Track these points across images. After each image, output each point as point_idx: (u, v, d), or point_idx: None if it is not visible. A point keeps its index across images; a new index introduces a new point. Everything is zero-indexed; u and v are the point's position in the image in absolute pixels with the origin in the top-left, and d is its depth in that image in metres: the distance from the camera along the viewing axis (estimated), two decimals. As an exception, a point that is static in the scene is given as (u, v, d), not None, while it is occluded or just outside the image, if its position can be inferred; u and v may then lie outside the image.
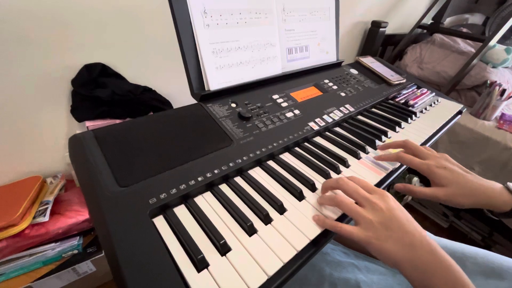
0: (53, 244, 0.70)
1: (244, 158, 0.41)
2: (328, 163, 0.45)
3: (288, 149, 0.48)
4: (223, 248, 0.29)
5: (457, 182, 0.40)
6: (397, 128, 0.58)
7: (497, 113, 1.16)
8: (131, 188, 0.33)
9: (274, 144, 0.45)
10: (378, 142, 0.52)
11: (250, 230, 0.32)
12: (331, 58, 0.72)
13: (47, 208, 0.69)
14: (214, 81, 0.48)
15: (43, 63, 0.70)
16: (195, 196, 0.36)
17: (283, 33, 0.58)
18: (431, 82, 1.36)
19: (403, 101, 0.69)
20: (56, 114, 0.78)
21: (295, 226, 0.33)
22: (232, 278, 0.27)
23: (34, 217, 0.66)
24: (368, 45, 1.49)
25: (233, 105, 0.49)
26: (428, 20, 1.47)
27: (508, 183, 0.40)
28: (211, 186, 0.37)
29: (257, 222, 0.33)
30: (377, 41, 1.45)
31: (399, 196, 1.20)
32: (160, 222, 0.31)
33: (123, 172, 0.34)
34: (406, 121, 0.62)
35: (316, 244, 0.32)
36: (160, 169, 0.36)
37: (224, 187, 0.38)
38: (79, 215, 0.73)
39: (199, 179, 0.36)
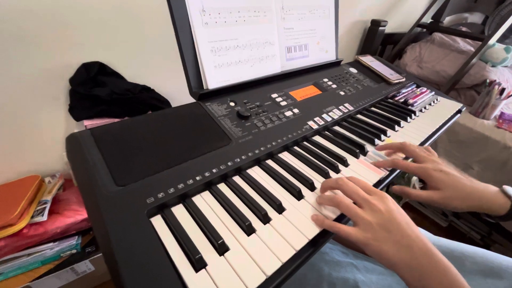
0: (51, 244, 0.70)
1: (243, 157, 0.41)
2: (327, 162, 0.44)
3: (287, 148, 0.47)
4: (221, 248, 0.29)
5: (453, 185, 0.40)
6: (397, 127, 0.58)
7: (497, 112, 1.16)
8: (129, 187, 0.32)
9: (273, 143, 0.45)
10: (377, 141, 0.52)
11: (249, 230, 0.32)
12: (330, 57, 0.71)
13: (45, 207, 0.69)
14: (213, 80, 0.48)
15: (40, 62, 0.70)
16: (193, 195, 0.36)
17: (282, 32, 0.58)
18: (430, 81, 1.36)
19: (402, 100, 0.69)
20: (54, 113, 0.78)
21: (294, 225, 0.33)
22: (230, 278, 0.27)
23: (32, 217, 0.66)
24: (367, 44, 1.49)
25: (232, 104, 0.49)
26: (427, 19, 1.47)
27: (503, 186, 0.40)
28: (209, 186, 0.37)
29: (255, 222, 0.33)
30: (377, 40, 1.44)
31: (397, 196, 1.20)
32: (158, 222, 0.31)
33: (120, 171, 0.34)
34: (406, 120, 0.62)
35: (315, 244, 0.32)
36: (158, 168, 0.35)
37: (222, 187, 0.38)
38: (77, 214, 0.73)
39: (198, 178, 0.36)
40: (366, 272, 0.45)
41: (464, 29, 1.50)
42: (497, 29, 1.19)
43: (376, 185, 0.43)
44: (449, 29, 1.41)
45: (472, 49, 1.29)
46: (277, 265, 0.28)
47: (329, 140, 0.52)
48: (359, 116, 0.62)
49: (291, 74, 0.62)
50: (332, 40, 0.70)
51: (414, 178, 1.15)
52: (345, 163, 0.45)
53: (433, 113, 0.68)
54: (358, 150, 0.48)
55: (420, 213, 1.38)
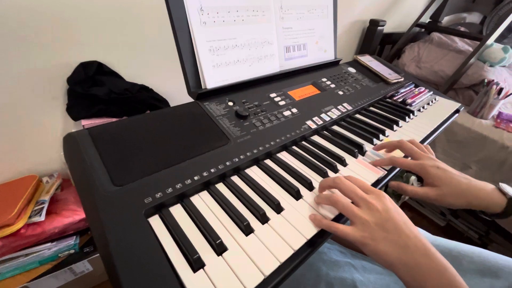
0: (49, 244, 0.70)
1: (241, 157, 0.41)
2: (325, 162, 0.44)
3: (286, 147, 0.47)
4: (219, 248, 0.29)
5: (450, 182, 0.40)
6: (395, 127, 0.58)
7: (494, 112, 1.17)
8: (126, 187, 0.32)
9: (272, 143, 0.45)
10: (376, 141, 0.52)
11: (247, 230, 0.32)
12: (329, 56, 0.71)
13: (43, 207, 0.68)
14: (211, 80, 0.48)
15: (38, 61, 0.70)
16: (192, 195, 0.36)
17: (281, 31, 0.58)
18: (429, 81, 1.36)
19: (400, 99, 0.69)
20: (52, 112, 0.77)
21: (292, 225, 0.33)
22: (229, 278, 0.27)
23: (29, 217, 0.65)
24: (366, 43, 1.49)
25: (230, 103, 0.49)
26: (426, 19, 1.47)
27: (500, 183, 0.40)
28: (207, 185, 0.37)
29: (254, 222, 0.33)
30: (375, 39, 1.45)
31: (396, 195, 1.20)
32: (155, 222, 0.31)
33: (118, 171, 0.34)
34: (404, 119, 0.62)
35: (313, 244, 0.32)
36: (156, 168, 0.35)
37: (220, 186, 0.38)
38: (75, 214, 0.73)
39: (196, 178, 0.36)
40: (364, 272, 0.46)
41: (462, 29, 1.51)
42: (495, 29, 1.20)
43: (375, 184, 0.43)
44: (448, 29, 1.41)
45: (470, 49, 1.30)
46: (275, 265, 0.28)
47: (327, 139, 0.52)
48: (357, 115, 0.62)
49: (290, 74, 0.61)
50: (330, 40, 0.70)
51: (413, 178, 1.15)
52: (343, 163, 0.45)
53: (431, 112, 0.68)
54: (356, 150, 0.48)
55: (418, 213, 1.38)
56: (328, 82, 0.65)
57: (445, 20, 1.59)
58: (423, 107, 0.69)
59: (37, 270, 0.69)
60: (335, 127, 0.56)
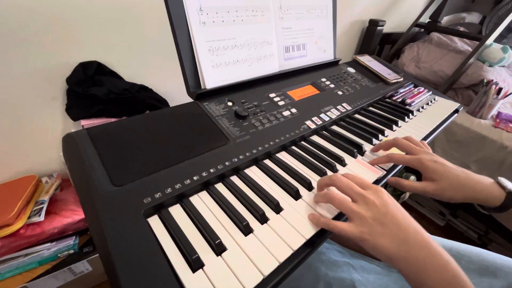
0: (48, 244, 0.70)
1: (241, 157, 0.41)
2: (325, 162, 0.44)
3: (285, 148, 0.47)
4: (218, 248, 0.29)
5: (448, 176, 0.40)
6: (394, 127, 0.58)
7: (494, 112, 1.17)
8: (125, 187, 0.32)
9: (271, 143, 0.45)
10: (375, 141, 0.52)
11: (246, 230, 0.32)
12: (328, 56, 0.71)
13: (42, 207, 0.68)
14: (211, 80, 0.48)
15: (38, 61, 0.69)
16: (191, 195, 0.36)
17: (280, 31, 0.58)
18: (428, 81, 1.36)
19: (400, 99, 0.69)
20: (51, 112, 0.77)
21: (291, 225, 0.33)
22: (228, 278, 0.27)
23: (29, 217, 0.65)
24: (365, 43, 1.49)
25: (230, 103, 0.49)
26: (425, 19, 1.47)
27: (499, 178, 0.40)
28: (207, 186, 0.37)
29: (253, 222, 0.33)
30: (375, 39, 1.45)
31: (396, 194, 1.21)
32: (154, 222, 0.31)
33: (117, 171, 0.34)
34: (403, 119, 0.62)
35: (312, 244, 0.32)
36: (155, 168, 0.35)
37: (220, 187, 0.38)
38: (75, 214, 0.73)
39: (195, 178, 0.36)
40: (363, 272, 0.46)
41: (461, 29, 1.51)
42: (494, 29, 1.20)
43: (374, 184, 0.43)
44: (447, 29, 1.42)
45: (470, 49, 1.30)
46: (275, 265, 0.28)
47: (326, 139, 0.52)
48: (357, 115, 0.62)
49: (289, 74, 0.61)
50: (330, 40, 0.70)
51: (412, 178, 1.15)
52: (342, 163, 0.45)
53: (430, 112, 0.68)
54: (355, 150, 0.48)
55: (418, 212, 1.38)
56: (328, 82, 0.65)
57: (445, 20, 1.59)
58: (423, 107, 0.69)
59: (36, 270, 0.69)
60: (334, 127, 0.56)
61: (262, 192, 0.37)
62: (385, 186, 0.49)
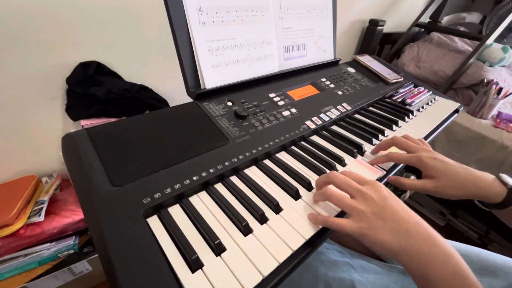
0: (48, 244, 0.70)
1: (240, 157, 0.41)
2: (324, 162, 0.44)
3: (285, 148, 0.47)
4: (217, 248, 0.29)
5: (448, 173, 0.39)
6: (394, 127, 0.58)
7: (494, 112, 1.17)
8: (125, 187, 0.32)
9: (271, 143, 0.45)
10: (375, 141, 0.52)
11: (246, 230, 0.32)
12: (328, 56, 0.71)
13: (42, 207, 0.68)
14: (210, 80, 0.48)
15: (38, 61, 0.69)
16: (190, 195, 0.36)
17: (280, 31, 0.58)
18: (428, 81, 1.36)
19: (400, 99, 0.69)
20: (51, 112, 0.77)
21: (291, 225, 0.33)
22: (227, 279, 0.27)
23: (29, 217, 0.65)
24: (365, 43, 1.49)
25: (229, 103, 0.49)
26: (425, 19, 1.47)
27: (500, 174, 0.40)
28: (206, 186, 0.37)
29: (252, 222, 0.33)
30: (375, 39, 1.45)
31: (397, 194, 1.20)
32: (154, 222, 0.31)
33: (117, 171, 0.34)
34: (403, 119, 0.62)
35: (311, 244, 0.32)
36: (154, 168, 0.35)
37: (219, 187, 0.38)
38: (74, 214, 0.72)
39: (194, 178, 0.36)
40: (363, 272, 0.45)
41: (462, 28, 1.51)
42: (494, 29, 1.20)
43: (374, 184, 0.43)
44: (447, 28, 1.41)
45: (470, 48, 1.30)
46: (274, 265, 0.28)
47: (326, 139, 0.52)
48: (357, 115, 0.62)
49: (289, 74, 0.61)
50: (330, 40, 0.70)
51: (412, 177, 1.15)
52: (342, 163, 0.45)
53: (430, 112, 0.68)
54: (355, 150, 0.48)
55: (418, 212, 1.37)
56: (328, 82, 0.65)
57: (445, 20, 1.59)
58: (423, 107, 0.69)
59: (36, 271, 0.69)
60: (334, 127, 0.56)
61: (262, 192, 0.37)
62: (386, 185, 0.49)
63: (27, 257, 0.67)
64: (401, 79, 0.79)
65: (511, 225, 0.42)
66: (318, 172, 0.42)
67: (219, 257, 0.29)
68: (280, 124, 0.49)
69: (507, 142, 1.04)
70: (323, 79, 0.66)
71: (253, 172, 0.41)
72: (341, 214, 0.36)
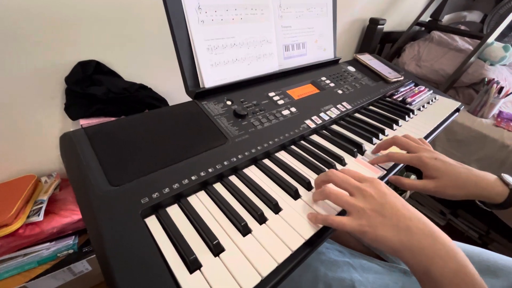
0: (47, 244, 0.69)
1: (239, 156, 0.40)
2: (324, 161, 0.44)
3: (284, 147, 0.47)
4: (216, 249, 0.29)
5: (449, 173, 0.39)
6: (395, 126, 0.58)
7: (495, 111, 1.16)
8: (123, 187, 0.32)
9: (270, 142, 0.44)
10: (375, 140, 0.52)
11: (244, 230, 0.31)
12: (328, 55, 0.71)
13: (41, 207, 0.68)
14: (209, 79, 0.48)
15: (37, 60, 0.69)
16: (189, 195, 0.35)
17: (280, 30, 0.58)
18: (429, 80, 1.36)
19: (400, 98, 0.69)
20: (50, 112, 0.77)
21: (290, 225, 0.33)
22: (225, 279, 0.27)
23: (28, 217, 0.65)
24: (366, 42, 1.49)
25: (229, 102, 0.49)
26: (426, 18, 1.47)
27: (502, 174, 0.39)
28: (205, 185, 0.37)
29: (251, 222, 0.33)
30: (375, 38, 1.44)
31: (397, 194, 1.20)
32: (152, 222, 0.31)
33: (115, 171, 0.33)
34: (404, 118, 0.61)
35: (311, 244, 0.32)
36: (153, 168, 0.35)
37: (218, 186, 0.37)
38: (74, 214, 0.72)
39: (193, 178, 0.35)
40: (363, 271, 0.45)
41: (462, 27, 1.50)
42: (495, 28, 1.19)
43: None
44: (448, 27, 1.41)
45: (471, 47, 1.29)
46: (273, 266, 0.28)
47: (326, 139, 0.51)
48: (357, 115, 0.62)
49: (289, 73, 0.61)
50: (330, 39, 0.70)
51: (413, 177, 1.15)
52: (342, 162, 0.45)
53: (431, 111, 0.67)
54: (355, 149, 0.47)
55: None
56: (328, 81, 0.65)
57: (446, 18, 1.59)
58: (423, 106, 0.68)
59: (35, 270, 0.68)
60: (334, 127, 0.56)
61: (261, 192, 0.36)
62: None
63: (26, 257, 0.67)
64: (402, 78, 0.78)
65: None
66: (318, 171, 0.42)
67: (217, 257, 0.29)
68: (279, 123, 0.49)
69: (508, 141, 1.03)
70: (323, 78, 0.65)
71: (252, 172, 0.41)
72: (342, 214, 0.35)
